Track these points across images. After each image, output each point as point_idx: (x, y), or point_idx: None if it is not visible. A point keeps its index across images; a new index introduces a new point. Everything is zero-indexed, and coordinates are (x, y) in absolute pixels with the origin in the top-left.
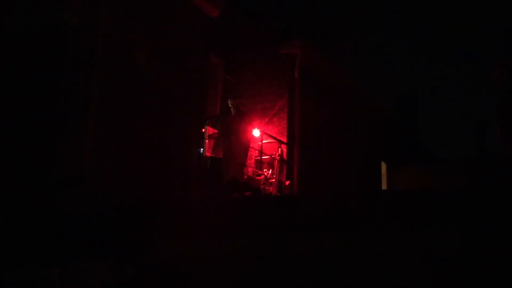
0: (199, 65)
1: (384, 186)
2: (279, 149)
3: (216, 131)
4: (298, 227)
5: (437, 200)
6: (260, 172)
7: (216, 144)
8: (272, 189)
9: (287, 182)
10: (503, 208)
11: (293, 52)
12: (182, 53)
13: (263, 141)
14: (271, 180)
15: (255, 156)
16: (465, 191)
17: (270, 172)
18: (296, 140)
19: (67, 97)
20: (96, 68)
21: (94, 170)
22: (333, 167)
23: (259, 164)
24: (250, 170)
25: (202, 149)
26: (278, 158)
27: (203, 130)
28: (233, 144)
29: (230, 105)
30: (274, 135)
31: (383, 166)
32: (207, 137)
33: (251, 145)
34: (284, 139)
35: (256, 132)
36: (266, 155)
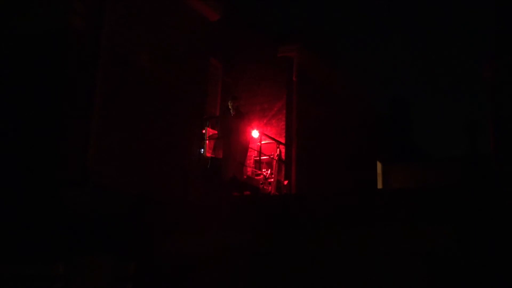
0: (199, 67)
1: (379, 185)
2: (278, 149)
3: (216, 132)
4: (297, 225)
5: (430, 197)
6: (259, 172)
7: (216, 145)
8: (271, 189)
9: (286, 182)
10: (493, 203)
11: (291, 55)
12: (183, 55)
13: (262, 142)
14: (270, 180)
15: (254, 157)
16: (457, 188)
17: (269, 172)
18: (294, 140)
19: (71, 99)
20: (99, 70)
21: (97, 170)
22: (330, 166)
23: (258, 164)
24: (249, 170)
25: (202, 150)
26: (276, 158)
27: (204, 131)
28: (232, 144)
29: (230, 107)
30: (272, 136)
31: (379, 166)
32: (207, 138)
33: (250, 145)
34: (283, 140)
35: (255, 133)
36: (265, 155)
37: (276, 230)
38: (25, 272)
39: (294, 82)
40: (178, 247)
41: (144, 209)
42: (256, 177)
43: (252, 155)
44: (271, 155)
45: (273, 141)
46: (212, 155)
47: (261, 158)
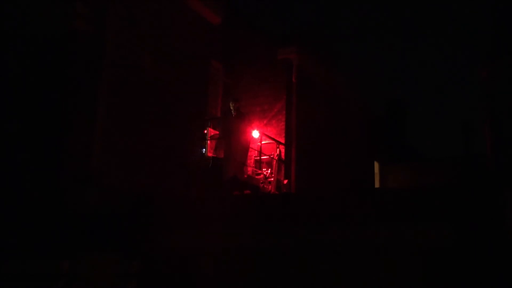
0: (201, 69)
1: (376, 184)
2: (278, 149)
3: (217, 132)
4: (297, 223)
5: (428, 196)
6: (260, 171)
7: (218, 145)
8: (271, 188)
9: (285, 181)
10: (490, 202)
11: (290, 57)
12: (184, 57)
13: (262, 142)
14: (270, 179)
15: (255, 156)
16: (455, 187)
17: (269, 171)
18: (294, 141)
19: (76, 99)
20: (103, 71)
21: (101, 169)
22: (328, 166)
23: (259, 163)
24: (250, 170)
25: (204, 149)
26: (276, 158)
27: (205, 131)
28: (233, 144)
29: (231, 108)
30: (272, 136)
31: (376, 165)
32: (209, 138)
33: (250, 145)
34: (282, 140)
35: (255, 133)
36: (265, 155)
37: (276, 228)
38: (31, 269)
39: (293, 84)
40: (181, 244)
41: (147, 207)
42: (256, 177)
43: (252, 155)
44: (271, 155)
45: (273, 141)
46: (213, 155)
47: (261, 158)
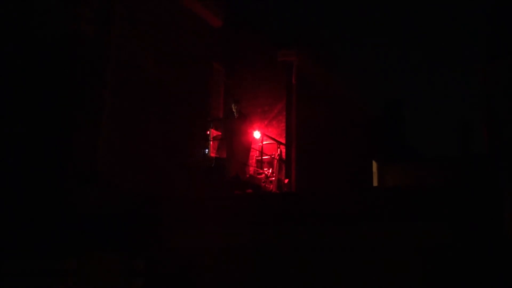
0: (203, 71)
1: (375, 183)
2: (278, 149)
3: (219, 133)
4: (297, 221)
5: (427, 195)
6: (261, 171)
7: (220, 145)
8: (272, 187)
9: (286, 180)
10: (488, 202)
11: (290, 59)
12: (187, 60)
13: (263, 142)
14: (271, 179)
15: (256, 156)
16: (453, 187)
17: (270, 171)
18: (294, 141)
19: (81, 100)
20: (107, 73)
21: (106, 169)
22: (328, 165)
23: (260, 163)
24: (251, 169)
25: (207, 150)
26: (277, 158)
27: (208, 132)
28: (235, 145)
29: (233, 109)
30: (273, 137)
31: (374, 165)
32: (211, 139)
33: (252, 146)
34: (283, 140)
35: (256, 134)
36: (266, 155)
37: (277, 225)
38: (39, 267)
39: (293, 85)
40: (184, 243)
41: (151, 207)
42: (258, 176)
43: (254, 155)
44: (272, 155)
45: (274, 142)
46: (216, 155)
47: (263, 157)
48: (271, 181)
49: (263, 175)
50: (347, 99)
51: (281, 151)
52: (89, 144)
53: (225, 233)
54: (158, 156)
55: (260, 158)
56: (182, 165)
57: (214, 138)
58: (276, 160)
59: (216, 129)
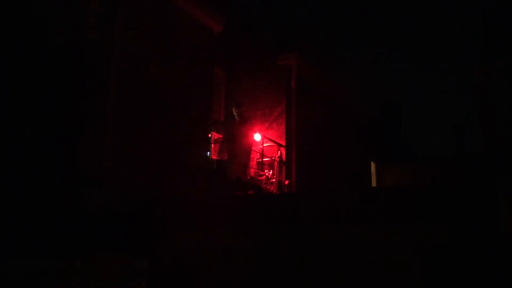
0: (204, 75)
1: (374, 183)
2: (279, 151)
3: (221, 136)
4: (298, 222)
5: (425, 194)
6: (262, 172)
7: (221, 148)
8: (272, 188)
9: (286, 182)
10: (485, 201)
11: (290, 63)
12: (189, 64)
13: (264, 145)
14: (271, 180)
15: (257, 158)
16: (452, 186)
17: (270, 172)
18: (294, 143)
19: (87, 105)
20: (112, 78)
21: (110, 172)
22: (328, 166)
23: (261, 165)
24: (252, 171)
25: (208, 152)
26: (277, 160)
27: (210, 135)
28: (236, 147)
29: (234, 113)
30: (273, 139)
31: (372, 165)
32: (213, 142)
33: (253, 148)
34: (283, 143)
35: (257, 137)
36: (266, 157)
37: (278, 226)
38: (45, 267)
39: (293, 88)
40: (187, 243)
41: (154, 208)
42: (258, 178)
43: (254, 157)
44: (273, 156)
45: (274, 144)
46: (217, 158)
47: (263, 159)
48: (271, 183)
49: (264, 177)
50: (346, 101)
51: (281, 153)
52: (93, 147)
53: (226, 233)
54: (161, 158)
55: (260, 160)
56: (184, 167)
57: (216, 141)
58: (276, 162)
59: (218, 132)
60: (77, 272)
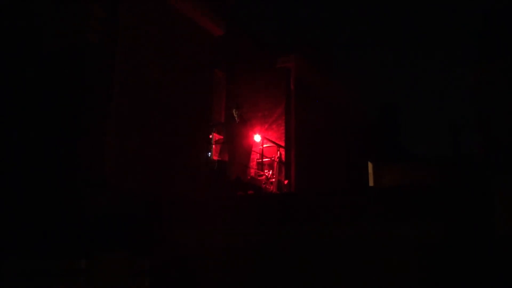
0: (205, 78)
1: (371, 183)
2: (278, 152)
3: (222, 137)
4: (296, 221)
5: (421, 194)
6: (262, 173)
7: (222, 149)
8: (272, 188)
9: (286, 182)
10: (479, 200)
11: (289, 66)
12: (190, 67)
13: (264, 145)
14: (271, 180)
15: (257, 159)
16: (447, 186)
17: (270, 172)
18: (293, 144)
19: (90, 107)
20: (115, 81)
21: (114, 173)
22: (326, 167)
23: (261, 165)
24: (252, 171)
25: (209, 153)
26: (277, 160)
27: (211, 136)
28: (237, 148)
29: (234, 114)
30: (273, 140)
31: (370, 166)
32: (214, 142)
33: (253, 149)
34: (282, 143)
35: (257, 137)
36: (266, 157)
37: (278, 225)
38: (49, 267)
39: (292, 90)
40: (189, 242)
41: (157, 208)
42: (258, 178)
43: (254, 157)
44: (272, 157)
45: (274, 145)
46: (218, 158)
47: (263, 160)
48: (271, 182)
49: (264, 177)
50: (344, 102)
51: (280, 154)
52: (97, 149)
53: (227, 233)
54: (163, 159)
55: (260, 160)
56: (185, 168)
57: (217, 142)
58: (276, 162)
59: (219, 133)
60: (81, 271)
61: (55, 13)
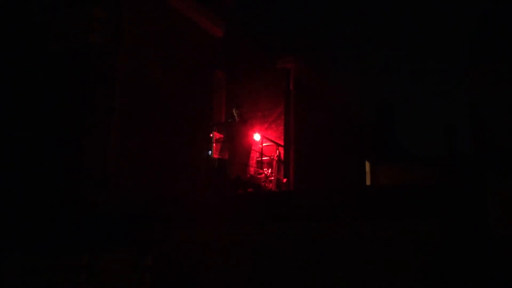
0: (206, 78)
1: (368, 182)
2: (277, 151)
3: (222, 136)
4: (295, 218)
5: (418, 192)
6: (261, 171)
7: (222, 147)
8: (271, 186)
9: (285, 180)
10: (473, 198)
11: (288, 67)
12: (191, 68)
13: (263, 144)
14: (270, 178)
15: (256, 157)
16: (442, 185)
17: (269, 171)
18: (292, 143)
19: (93, 108)
20: (117, 82)
21: (116, 172)
22: (324, 165)
23: (260, 164)
24: (252, 170)
25: (210, 152)
26: (276, 159)
27: (211, 135)
28: (237, 147)
29: (234, 113)
30: (272, 139)
31: (367, 164)
32: (214, 141)
33: (252, 147)
34: (282, 142)
35: (257, 136)
36: (266, 156)
37: (276, 222)
38: (52, 263)
39: (291, 91)
40: (190, 240)
41: (158, 206)
42: (258, 176)
43: (254, 156)
44: (272, 156)
45: (273, 144)
46: (219, 157)
47: (263, 158)
48: (270, 181)
49: (263, 175)
50: (342, 103)
51: (279, 153)
52: (100, 149)
53: (227, 230)
54: (164, 159)
55: (260, 159)
56: (186, 167)
57: (217, 141)
58: (275, 161)
59: (219, 132)
60: (83, 268)
61: (58, 14)
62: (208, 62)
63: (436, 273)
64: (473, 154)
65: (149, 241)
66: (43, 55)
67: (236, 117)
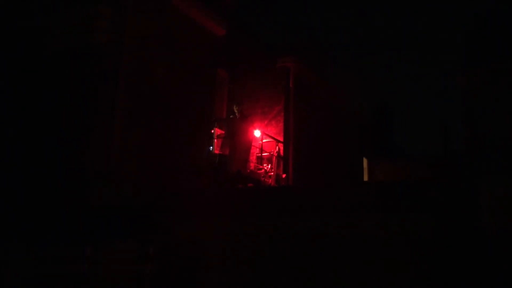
0: (208, 76)
1: (365, 178)
2: (277, 147)
3: (223, 132)
4: (293, 213)
5: (412, 188)
6: (261, 166)
7: (223, 143)
8: (271, 181)
9: (284, 175)
10: (466, 195)
11: (288, 65)
12: (193, 66)
13: (263, 140)
14: (270, 174)
15: (256, 153)
16: (436, 181)
17: (269, 166)
18: (291, 139)
19: (97, 105)
20: (120, 79)
21: (120, 166)
22: (322, 162)
23: (260, 160)
24: (252, 165)
25: (211, 147)
26: (276, 154)
27: (212, 131)
28: (237, 143)
29: (235, 110)
30: (272, 135)
31: (365, 161)
32: (215, 137)
33: (253, 143)
34: (281, 139)
35: (257, 133)
36: (265, 152)
37: (275, 216)
38: (58, 254)
39: (291, 89)
40: (191, 232)
41: (161, 199)
42: (258, 171)
43: (254, 152)
44: (271, 152)
45: (273, 140)
46: (219, 152)
47: (262, 154)
48: (270, 176)
49: (263, 171)
50: (341, 101)
51: (279, 149)
52: (104, 143)
53: (228, 223)
54: (167, 153)
55: (260, 155)
56: (189, 161)
57: (218, 137)
58: (274, 157)
59: (220, 128)
60: (87, 258)
61: (63, 14)
62: (209, 60)
63: (428, 269)
64: (466, 153)
65: (151, 233)
66: (48, 55)
67: (237, 114)
